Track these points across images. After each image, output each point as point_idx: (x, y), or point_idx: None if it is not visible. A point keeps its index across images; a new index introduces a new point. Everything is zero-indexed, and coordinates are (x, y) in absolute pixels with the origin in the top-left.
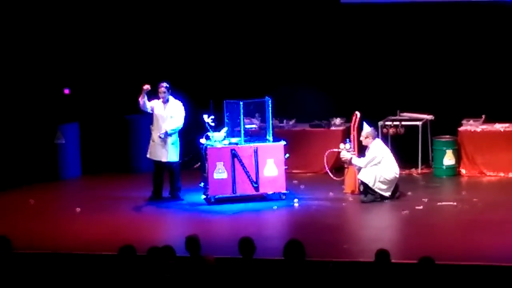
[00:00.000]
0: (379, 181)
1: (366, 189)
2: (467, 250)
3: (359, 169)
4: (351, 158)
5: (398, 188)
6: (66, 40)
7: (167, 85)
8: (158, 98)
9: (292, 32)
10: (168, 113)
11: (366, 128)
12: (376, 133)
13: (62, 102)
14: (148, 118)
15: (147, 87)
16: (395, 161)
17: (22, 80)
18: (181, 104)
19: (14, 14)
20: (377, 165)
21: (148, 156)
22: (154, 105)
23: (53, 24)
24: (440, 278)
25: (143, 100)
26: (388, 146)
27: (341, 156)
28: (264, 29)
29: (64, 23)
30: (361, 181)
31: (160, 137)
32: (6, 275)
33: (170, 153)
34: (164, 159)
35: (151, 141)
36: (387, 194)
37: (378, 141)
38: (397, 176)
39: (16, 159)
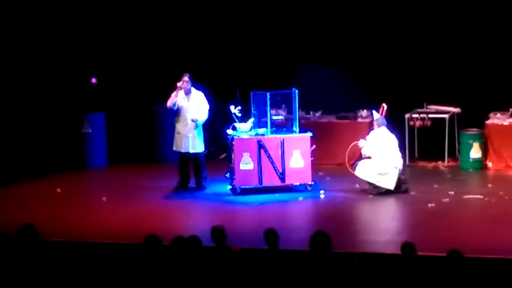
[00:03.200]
0: (377, 174)
1: (369, 183)
2: (494, 244)
3: (355, 167)
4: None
5: (406, 181)
6: (94, 30)
7: (189, 75)
8: (176, 90)
9: (320, 24)
10: (192, 104)
11: (375, 115)
12: (384, 121)
13: (89, 91)
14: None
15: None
16: (399, 153)
17: (50, 70)
18: (203, 95)
19: (41, 4)
20: (373, 157)
21: (174, 149)
22: (177, 99)
23: (80, 14)
24: (468, 271)
25: (176, 98)
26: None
27: (359, 144)
28: (293, 20)
29: (91, 13)
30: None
31: (192, 121)
32: (33, 263)
33: (196, 144)
34: (191, 150)
35: (176, 133)
36: (390, 187)
37: (382, 130)
38: (397, 169)
39: (43, 148)
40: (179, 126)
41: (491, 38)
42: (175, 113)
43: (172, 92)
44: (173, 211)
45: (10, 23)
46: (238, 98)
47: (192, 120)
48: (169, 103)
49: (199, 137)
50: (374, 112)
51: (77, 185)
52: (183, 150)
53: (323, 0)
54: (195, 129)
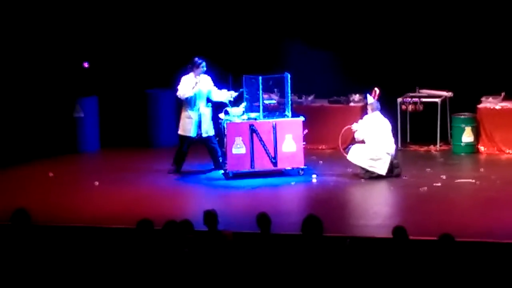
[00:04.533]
0: (369, 159)
1: (361, 167)
2: (486, 228)
3: (348, 151)
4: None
5: (398, 165)
6: (86, 13)
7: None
8: (196, 76)
9: (313, 7)
10: (204, 88)
11: (369, 100)
12: (378, 106)
13: (81, 75)
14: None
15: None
16: (391, 139)
17: (42, 53)
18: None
19: None
20: (366, 142)
21: (181, 133)
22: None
23: None
24: (459, 255)
25: (198, 86)
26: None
27: (352, 128)
28: (283, 4)
29: None
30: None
31: (230, 101)
32: (25, 247)
33: (208, 127)
34: (204, 134)
35: (185, 118)
36: (382, 172)
37: (376, 114)
38: (390, 154)
39: (36, 132)
40: (189, 112)
41: (484, 22)
42: (187, 98)
43: (182, 76)
44: (165, 196)
45: (0, 8)
46: (231, 82)
47: (230, 101)
48: (192, 92)
49: (210, 121)
50: (368, 96)
51: (69, 170)
52: (192, 135)
53: None
54: (204, 113)
